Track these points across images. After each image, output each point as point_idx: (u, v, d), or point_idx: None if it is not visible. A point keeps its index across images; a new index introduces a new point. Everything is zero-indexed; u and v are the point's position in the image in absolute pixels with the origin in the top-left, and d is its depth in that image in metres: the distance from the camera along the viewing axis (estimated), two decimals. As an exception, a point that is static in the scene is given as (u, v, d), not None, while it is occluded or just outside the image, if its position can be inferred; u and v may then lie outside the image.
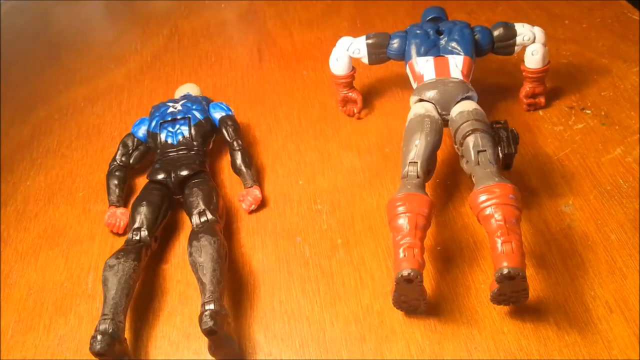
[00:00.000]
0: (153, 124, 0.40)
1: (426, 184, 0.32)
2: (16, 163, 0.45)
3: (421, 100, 0.34)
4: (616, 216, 0.33)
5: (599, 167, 0.36)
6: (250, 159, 0.39)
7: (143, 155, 0.40)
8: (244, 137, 0.41)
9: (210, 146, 0.40)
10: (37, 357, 0.31)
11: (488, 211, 0.28)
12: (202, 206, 0.34)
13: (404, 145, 0.33)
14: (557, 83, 0.43)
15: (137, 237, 0.34)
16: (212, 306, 0.28)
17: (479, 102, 0.34)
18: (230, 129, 0.40)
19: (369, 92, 0.45)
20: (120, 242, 0.36)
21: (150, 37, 0.57)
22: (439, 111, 0.33)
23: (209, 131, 0.40)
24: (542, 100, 0.40)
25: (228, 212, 0.37)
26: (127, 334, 0.31)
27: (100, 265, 0.35)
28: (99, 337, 0.28)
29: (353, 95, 0.42)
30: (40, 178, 0.43)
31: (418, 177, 0.31)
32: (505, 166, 0.32)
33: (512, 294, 0.28)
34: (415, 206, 0.29)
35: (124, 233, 0.37)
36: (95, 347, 0.28)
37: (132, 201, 0.36)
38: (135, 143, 0.40)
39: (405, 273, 0.27)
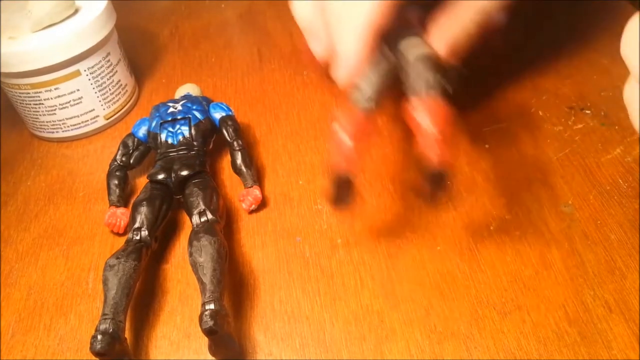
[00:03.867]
0: (153, 124, 0.40)
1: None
2: (16, 163, 0.45)
3: None
4: (616, 216, 0.33)
5: (598, 167, 0.36)
6: (250, 159, 0.39)
7: (143, 155, 0.40)
8: (244, 137, 0.41)
9: (211, 146, 0.41)
10: (38, 357, 0.31)
11: (422, 119, 0.29)
12: (202, 206, 0.34)
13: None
14: (556, 83, 0.43)
15: (138, 237, 0.34)
16: (212, 306, 0.28)
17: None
18: (230, 129, 0.40)
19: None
20: (120, 242, 0.36)
21: (150, 37, 0.57)
22: (392, 50, 0.34)
23: (209, 131, 0.40)
24: None
25: (228, 212, 0.37)
26: (127, 334, 0.31)
27: (100, 265, 0.35)
28: (99, 336, 0.28)
29: None
30: (41, 178, 0.43)
31: (365, 104, 0.32)
32: (447, 91, 0.32)
33: (434, 191, 0.30)
34: (357, 123, 0.31)
35: (124, 233, 0.37)
36: (96, 346, 0.28)
37: (132, 201, 0.36)
38: (135, 143, 0.40)
39: (342, 175, 0.30)
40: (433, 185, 0.29)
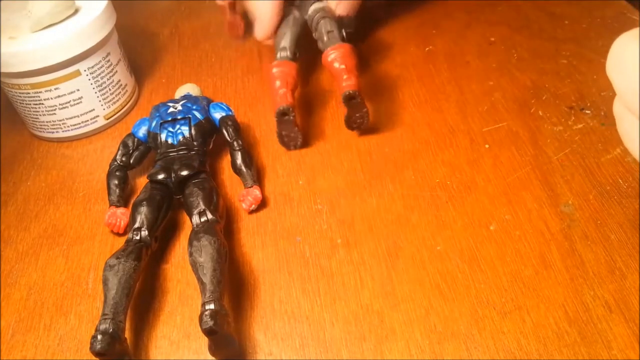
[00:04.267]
0: (153, 124, 0.40)
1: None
2: (16, 163, 0.45)
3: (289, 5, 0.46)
4: (616, 216, 0.33)
5: (598, 167, 0.36)
6: (250, 159, 0.39)
7: (143, 155, 0.40)
8: (244, 137, 0.41)
9: (210, 146, 0.41)
10: (37, 357, 0.31)
11: (334, 61, 0.40)
12: (202, 206, 0.34)
13: (276, 38, 0.44)
14: (556, 83, 0.43)
15: (138, 237, 0.34)
16: (212, 306, 0.28)
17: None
18: (230, 129, 0.40)
19: (369, 93, 0.45)
20: (120, 242, 0.36)
21: (150, 37, 0.57)
22: (301, 13, 0.46)
23: (209, 131, 0.40)
24: None
25: (228, 212, 0.37)
26: (127, 334, 0.31)
27: (100, 265, 0.35)
28: (99, 336, 0.28)
29: (237, 19, 0.52)
30: (41, 178, 0.43)
31: (288, 57, 0.42)
32: (349, 42, 0.42)
33: (358, 117, 0.40)
34: (286, 69, 0.40)
35: (124, 233, 0.37)
36: (96, 346, 0.28)
37: (132, 201, 0.36)
38: (135, 143, 0.40)
39: (281, 108, 0.38)
40: (351, 108, 0.39)
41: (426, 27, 0.51)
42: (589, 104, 0.41)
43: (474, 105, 0.42)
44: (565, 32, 0.47)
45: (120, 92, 0.46)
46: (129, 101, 0.48)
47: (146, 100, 0.49)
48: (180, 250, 0.36)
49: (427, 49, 0.49)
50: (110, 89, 0.45)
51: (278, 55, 0.43)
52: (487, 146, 0.39)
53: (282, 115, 0.38)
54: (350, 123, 0.40)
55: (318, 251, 0.34)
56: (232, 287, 0.33)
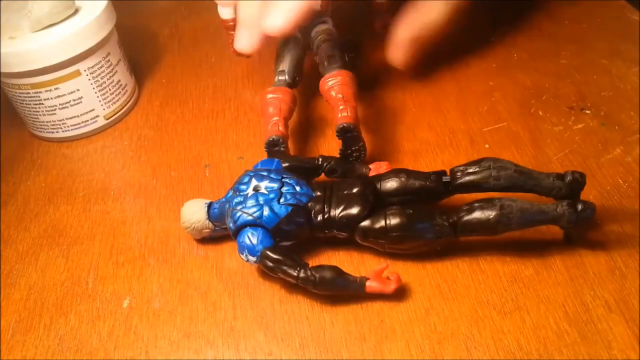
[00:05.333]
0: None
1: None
2: (16, 163, 0.45)
3: None
4: (616, 216, 0.33)
5: (598, 168, 0.36)
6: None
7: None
8: (245, 138, 0.41)
9: None
10: (37, 356, 0.31)
11: (331, 90, 0.38)
12: None
13: (276, 60, 0.43)
14: (556, 83, 0.43)
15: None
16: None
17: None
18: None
19: (369, 92, 0.45)
20: (120, 242, 0.36)
21: (150, 37, 0.57)
22: (304, 36, 0.43)
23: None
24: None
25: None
26: (127, 334, 0.31)
27: (100, 265, 0.35)
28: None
29: None
30: (41, 178, 0.43)
31: (286, 82, 0.41)
32: (352, 67, 0.40)
33: (354, 151, 0.37)
34: (280, 96, 0.39)
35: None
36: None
37: None
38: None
39: (271, 139, 0.36)
40: (346, 142, 0.36)
41: (426, 27, 0.51)
42: (589, 104, 0.41)
43: (474, 105, 0.42)
44: (566, 32, 0.47)
45: (120, 92, 0.46)
46: (129, 101, 0.48)
47: (146, 100, 0.49)
48: (180, 250, 0.36)
49: (427, 49, 0.49)
50: (110, 89, 0.45)
51: (276, 80, 0.41)
52: (487, 146, 0.39)
53: (271, 146, 0.36)
54: (346, 156, 0.37)
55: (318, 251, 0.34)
56: (232, 287, 0.33)
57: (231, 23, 0.46)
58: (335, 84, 0.38)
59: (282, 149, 0.36)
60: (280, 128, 0.37)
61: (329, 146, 0.42)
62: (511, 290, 0.31)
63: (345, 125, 0.35)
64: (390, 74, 0.46)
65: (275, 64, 0.42)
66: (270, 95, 0.39)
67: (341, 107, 0.36)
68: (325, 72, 0.40)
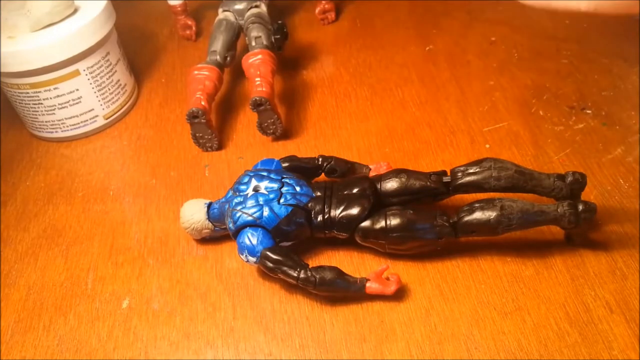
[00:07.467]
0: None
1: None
2: (15, 163, 0.45)
3: (225, 11, 0.47)
4: (616, 216, 0.33)
5: (599, 167, 0.36)
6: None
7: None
8: (245, 138, 0.41)
9: None
10: (37, 357, 0.31)
11: (251, 67, 0.41)
12: None
13: (209, 40, 0.46)
14: (557, 83, 0.43)
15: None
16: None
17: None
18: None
19: (370, 93, 0.45)
20: (120, 242, 0.36)
21: (150, 37, 0.57)
22: (237, 18, 0.47)
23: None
24: (332, 15, 0.53)
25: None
26: (126, 334, 0.31)
27: (99, 266, 0.35)
28: None
29: (188, 21, 0.54)
30: (40, 178, 0.43)
31: (216, 62, 0.44)
32: (277, 48, 0.45)
33: (270, 124, 0.40)
34: (207, 73, 0.42)
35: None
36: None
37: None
38: None
39: (191, 110, 0.39)
40: (261, 114, 0.40)
41: (426, 26, 0.51)
42: (589, 104, 0.40)
43: (475, 105, 0.42)
44: (566, 32, 0.47)
45: (119, 91, 0.46)
46: (128, 101, 0.48)
47: (145, 100, 0.49)
48: (180, 249, 0.36)
49: (427, 48, 0.49)
50: (109, 89, 0.45)
51: (208, 59, 0.44)
52: (487, 146, 0.39)
53: (192, 117, 0.40)
54: (263, 129, 0.41)
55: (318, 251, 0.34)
56: (231, 286, 0.33)
57: (179, 8, 0.53)
58: (255, 60, 0.41)
59: (202, 121, 0.40)
60: (203, 103, 0.40)
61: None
62: (512, 291, 0.31)
63: (257, 98, 0.39)
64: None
65: (209, 44, 0.46)
66: (196, 72, 0.42)
67: (257, 82, 0.40)
68: (250, 46, 0.44)
